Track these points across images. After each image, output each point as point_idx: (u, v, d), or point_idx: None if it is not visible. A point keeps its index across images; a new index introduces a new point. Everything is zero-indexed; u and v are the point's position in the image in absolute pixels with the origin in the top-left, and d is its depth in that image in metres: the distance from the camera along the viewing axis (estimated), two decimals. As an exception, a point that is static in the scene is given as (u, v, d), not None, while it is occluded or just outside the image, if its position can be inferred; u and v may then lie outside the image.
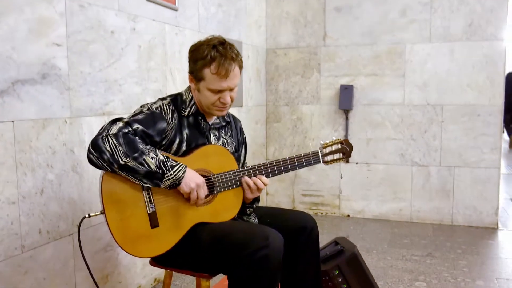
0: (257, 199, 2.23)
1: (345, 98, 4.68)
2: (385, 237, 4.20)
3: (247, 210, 2.22)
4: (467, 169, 4.46)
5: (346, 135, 4.72)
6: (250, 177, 2.11)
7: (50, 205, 2.31)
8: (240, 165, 2.33)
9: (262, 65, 4.91)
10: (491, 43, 4.32)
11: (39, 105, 2.22)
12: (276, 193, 5.04)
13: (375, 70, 4.66)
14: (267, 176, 2.16)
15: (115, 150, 1.81)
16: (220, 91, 2.03)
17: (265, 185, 2.13)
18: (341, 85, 4.69)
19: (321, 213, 4.93)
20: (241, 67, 2.06)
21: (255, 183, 2.09)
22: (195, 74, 2.03)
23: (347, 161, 4.78)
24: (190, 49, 2.07)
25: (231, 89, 2.05)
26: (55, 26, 2.29)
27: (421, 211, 4.62)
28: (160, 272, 3.19)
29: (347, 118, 4.74)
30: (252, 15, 4.59)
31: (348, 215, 4.86)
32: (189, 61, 2.07)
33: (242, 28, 4.36)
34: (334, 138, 2.29)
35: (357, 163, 4.78)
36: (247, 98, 4.53)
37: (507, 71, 4.90)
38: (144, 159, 1.84)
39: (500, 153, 4.40)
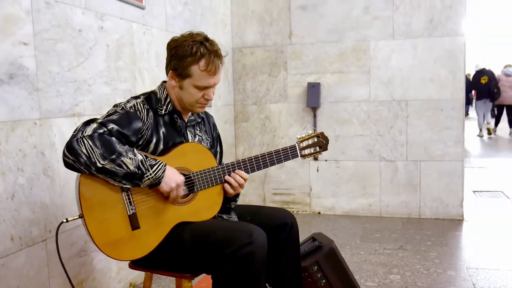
0: (238, 194, 2.21)
1: (313, 95, 4.71)
2: (357, 232, 4.25)
3: (232, 204, 2.21)
4: (433, 163, 4.56)
5: (314, 133, 4.74)
6: (229, 174, 2.10)
7: (22, 210, 2.22)
8: (217, 161, 2.30)
9: (229, 64, 4.88)
10: (451, 39, 4.43)
11: (7, 106, 2.13)
12: (246, 193, 5.01)
13: (341, 67, 4.70)
14: (247, 172, 2.15)
15: (91, 153, 1.75)
16: (205, 88, 2.02)
17: (245, 180, 2.11)
18: (308, 83, 4.72)
19: (292, 211, 4.94)
20: (223, 63, 2.06)
21: (235, 180, 2.08)
22: (180, 71, 1.99)
23: (315, 158, 4.80)
24: (170, 45, 2.03)
25: (214, 85, 2.04)
26: (21, 24, 2.21)
27: (390, 205, 4.69)
28: (135, 276, 3.12)
29: (315, 116, 4.77)
30: (217, 13, 4.56)
31: (319, 212, 4.89)
32: (171, 58, 2.02)
33: (209, 27, 4.33)
34: (310, 132, 2.31)
35: (326, 160, 4.82)
36: (216, 98, 4.49)
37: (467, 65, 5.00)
38: (122, 161, 1.78)
39: (463, 146, 4.52)
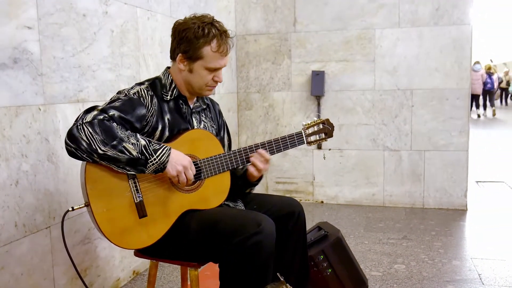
0: (260, 178, 2.19)
1: (317, 84, 4.66)
2: (360, 222, 4.23)
3: (251, 189, 2.22)
4: (437, 153, 4.54)
5: (318, 121, 4.70)
6: (236, 161, 2.06)
7: (26, 197, 2.19)
8: (226, 148, 2.28)
9: (233, 51, 4.83)
10: (458, 27, 4.38)
11: (11, 91, 2.09)
12: (248, 181, 4.98)
13: (345, 55, 4.66)
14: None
15: (92, 139, 1.72)
16: (216, 69, 2.00)
17: (267, 160, 2.09)
18: (313, 71, 4.68)
19: (295, 200, 4.91)
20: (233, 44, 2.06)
21: (260, 159, 2.06)
22: (191, 53, 1.97)
23: (319, 147, 4.77)
24: (178, 28, 2.00)
25: (223, 67, 2.04)
26: (25, 7, 2.16)
27: (394, 195, 4.67)
28: (138, 264, 3.10)
29: (319, 104, 4.73)
30: (221, 0, 4.50)
31: (322, 202, 4.87)
32: (180, 41, 1.99)
33: (213, 13, 4.25)
34: (316, 119, 2.28)
35: (329, 149, 4.79)
36: (219, 85, 4.43)
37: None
38: (124, 146, 1.75)
39: (468, 135, 4.49)
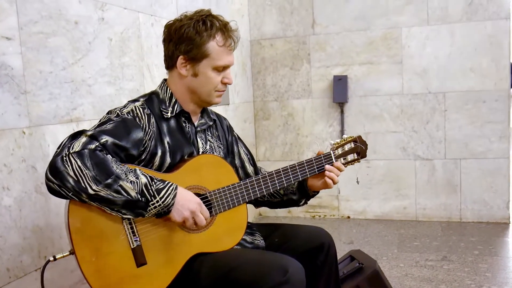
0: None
1: (339, 90, 4.30)
2: (392, 240, 3.84)
3: (303, 201, 1.98)
4: (474, 161, 4.13)
5: (342, 130, 4.35)
6: (253, 191, 1.74)
7: (9, 237, 1.87)
8: (247, 164, 2.00)
9: (247, 58, 4.50)
10: (494, 23, 3.99)
11: (-13, 114, 1.78)
12: (268, 196, 4.64)
13: (370, 58, 4.29)
14: (274, 188, 1.80)
15: (81, 175, 1.39)
16: (224, 68, 1.74)
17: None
18: (334, 76, 4.31)
19: (319, 216, 4.56)
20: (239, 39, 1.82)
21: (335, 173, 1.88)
22: (194, 52, 1.68)
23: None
24: (171, 28, 1.74)
25: (231, 65, 1.79)
26: (2, 15, 1.85)
27: (427, 208, 4.28)
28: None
29: (342, 112, 4.36)
30: (233, 2, 4.18)
31: (349, 217, 4.49)
32: (178, 41, 1.70)
33: (224, 17, 3.93)
34: (346, 137, 1.97)
35: (355, 160, 4.41)
36: (234, 94, 4.12)
37: None
38: (120, 185, 1.42)
39: (509, 141, 4.08)
